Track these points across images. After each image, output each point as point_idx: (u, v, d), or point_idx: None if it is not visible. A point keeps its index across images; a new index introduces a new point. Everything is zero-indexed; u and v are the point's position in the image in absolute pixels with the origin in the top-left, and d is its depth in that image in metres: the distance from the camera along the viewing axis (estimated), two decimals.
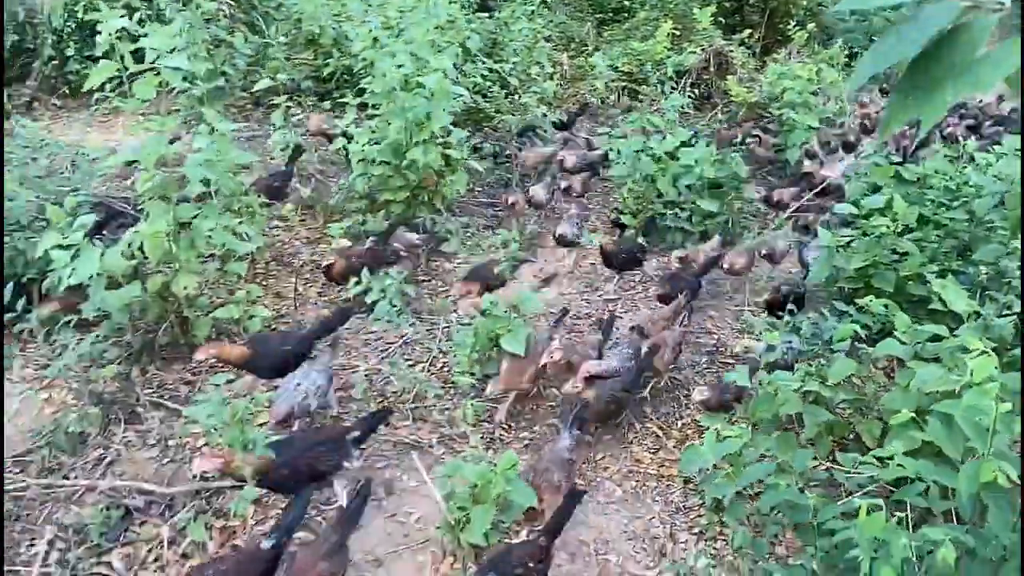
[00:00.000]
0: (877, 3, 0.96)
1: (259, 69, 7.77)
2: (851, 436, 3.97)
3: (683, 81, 10.03)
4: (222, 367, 4.20)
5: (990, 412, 2.37)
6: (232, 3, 8.08)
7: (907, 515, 2.61)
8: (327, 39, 7.98)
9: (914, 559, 2.59)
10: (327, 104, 7.92)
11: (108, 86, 7.07)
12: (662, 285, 5.30)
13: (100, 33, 7.74)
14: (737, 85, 9.88)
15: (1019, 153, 5.26)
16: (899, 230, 4.72)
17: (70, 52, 8.24)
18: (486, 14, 9.01)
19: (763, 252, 5.74)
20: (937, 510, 2.84)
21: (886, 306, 3.92)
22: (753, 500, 3.53)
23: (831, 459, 3.72)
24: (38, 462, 3.94)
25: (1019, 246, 4.10)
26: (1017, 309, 3.60)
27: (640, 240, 5.86)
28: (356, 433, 3.69)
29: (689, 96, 8.73)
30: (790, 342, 4.17)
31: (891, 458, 2.79)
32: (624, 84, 10.37)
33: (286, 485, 3.50)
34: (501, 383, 4.18)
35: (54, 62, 8.41)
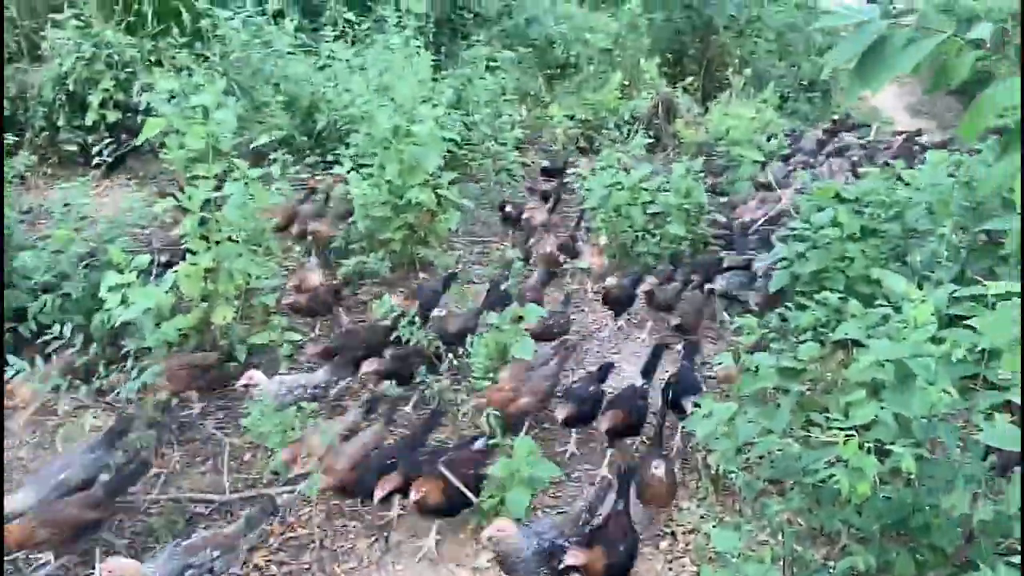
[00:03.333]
0: (846, 21, 1.55)
1: (242, 130, 8.31)
2: (820, 411, 4.59)
3: (636, 125, 10.89)
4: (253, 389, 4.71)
5: (930, 349, 3.01)
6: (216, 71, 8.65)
7: (872, 448, 3.22)
8: (306, 101, 8.59)
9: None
10: (311, 159, 8.48)
11: (105, 151, 7.57)
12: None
13: (90, 105, 8.26)
14: (685, 128, 10.77)
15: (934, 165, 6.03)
16: (843, 237, 5.44)
17: (61, 123, 8.63)
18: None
19: None
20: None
21: (840, 299, 4.60)
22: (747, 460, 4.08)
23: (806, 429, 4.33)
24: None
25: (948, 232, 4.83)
26: (950, 288, 4.27)
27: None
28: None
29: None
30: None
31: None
32: (581, 131, 11.18)
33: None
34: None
35: (45, 133, 8.79)
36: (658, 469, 3.96)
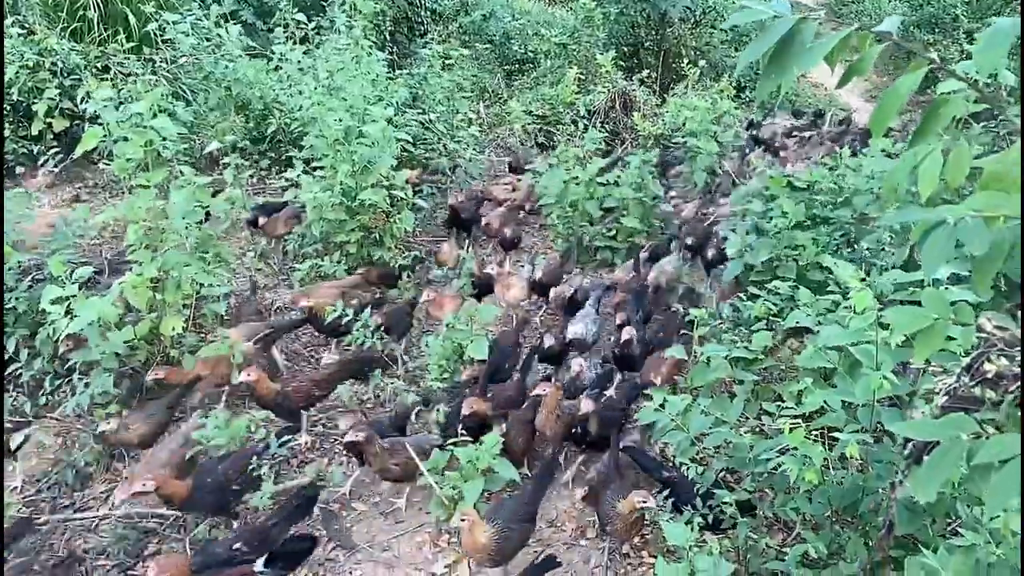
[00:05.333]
0: (752, 18, 1.55)
1: (193, 135, 8.18)
2: (774, 399, 4.63)
3: (592, 120, 10.90)
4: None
5: (872, 335, 3.04)
6: (165, 76, 8.52)
7: (823, 439, 3.25)
8: (258, 103, 8.47)
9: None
10: (264, 163, 8.37)
11: (52, 163, 7.42)
12: None
13: (36, 115, 8.06)
14: (642, 120, 10.80)
15: (883, 154, 6.12)
16: (792, 225, 5.50)
17: (6, 133, 8.42)
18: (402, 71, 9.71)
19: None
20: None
21: (791, 287, 4.64)
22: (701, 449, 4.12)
23: (759, 418, 4.36)
24: (49, 500, 4.24)
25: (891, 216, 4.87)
26: (897, 274, 4.33)
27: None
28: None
29: (600, 132, 9.54)
30: None
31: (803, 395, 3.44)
32: (539, 127, 11.18)
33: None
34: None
35: None
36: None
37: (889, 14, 18.68)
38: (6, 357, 4.36)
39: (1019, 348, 1.91)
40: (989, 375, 1.80)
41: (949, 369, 2.36)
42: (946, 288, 2.91)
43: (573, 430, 4.45)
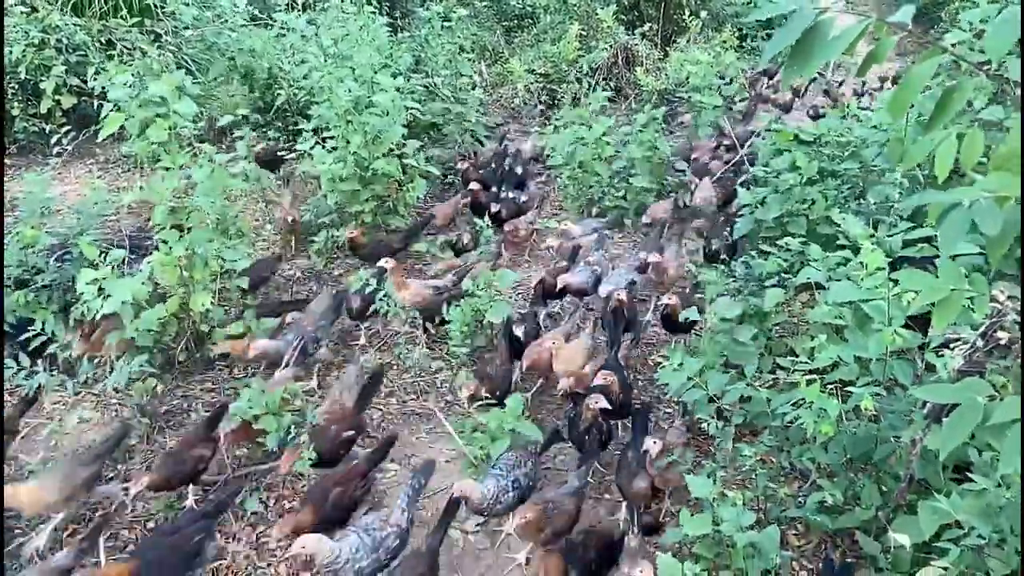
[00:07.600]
0: (779, 11, 1.65)
1: (201, 108, 8.23)
2: (786, 353, 4.78)
3: (595, 76, 10.88)
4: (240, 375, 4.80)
5: (883, 293, 3.17)
6: (169, 49, 8.54)
7: (837, 389, 3.41)
8: (263, 74, 8.48)
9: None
10: (272, 133, 8.42)
11: (64, 140, 7.49)
12: None
13: (44, 92, 8.08)
14: (645, 75, 10.79)
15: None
16: (804, 182, 5.58)
17: (16, 112, 8.47)
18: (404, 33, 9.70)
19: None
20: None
21: (802, 244, 4.76)
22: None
23: (772, 373, 4.51)
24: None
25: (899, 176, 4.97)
26: (902, 227, 4.43)
27: None
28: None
29: (603, 89, 9.55)
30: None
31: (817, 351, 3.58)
32: (542, 85, 11.16)
33: None
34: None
35: None
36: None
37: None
38: (44, 337, 4.51)
39: None
40: (1002, 342, 1.93)
41: (965, 337, 2.49)
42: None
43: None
